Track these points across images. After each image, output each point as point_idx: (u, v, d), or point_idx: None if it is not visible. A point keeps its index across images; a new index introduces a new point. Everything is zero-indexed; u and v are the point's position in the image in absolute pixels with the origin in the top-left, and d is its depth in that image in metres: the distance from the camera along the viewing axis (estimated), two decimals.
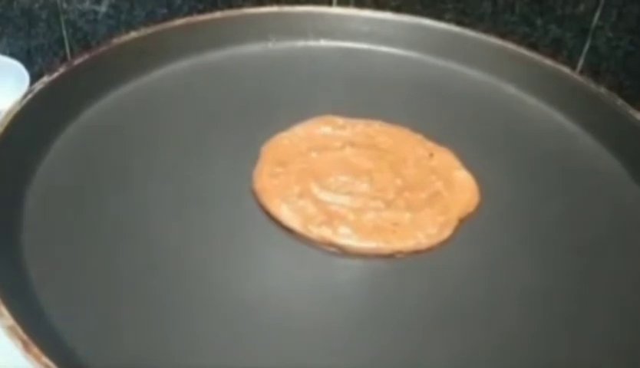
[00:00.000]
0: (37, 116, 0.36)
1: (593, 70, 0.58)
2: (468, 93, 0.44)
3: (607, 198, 0.37)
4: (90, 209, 0.33)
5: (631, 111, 0.39)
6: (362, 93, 0.43)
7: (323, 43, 0.47)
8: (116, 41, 0.42)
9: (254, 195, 0.34)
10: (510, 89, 0.44)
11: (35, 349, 0.24)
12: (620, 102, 0.40)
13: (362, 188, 0.34)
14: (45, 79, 0.37)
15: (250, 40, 0.46)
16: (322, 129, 0.38)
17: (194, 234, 0.32)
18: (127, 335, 0.28)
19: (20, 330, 0.25)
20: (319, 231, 0.32)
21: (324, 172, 0.35)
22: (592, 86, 0.41)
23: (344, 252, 0.32)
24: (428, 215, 0.33)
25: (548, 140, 0.40)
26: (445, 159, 0.37)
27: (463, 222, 0.34)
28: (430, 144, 0.38)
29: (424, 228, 0.32)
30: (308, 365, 0.27)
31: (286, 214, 0.33)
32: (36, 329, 0.26)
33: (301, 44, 0.47)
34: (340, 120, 0.39)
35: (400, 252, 0.32)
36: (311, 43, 0.47)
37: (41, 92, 0.37)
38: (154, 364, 0.27)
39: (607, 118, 0.40)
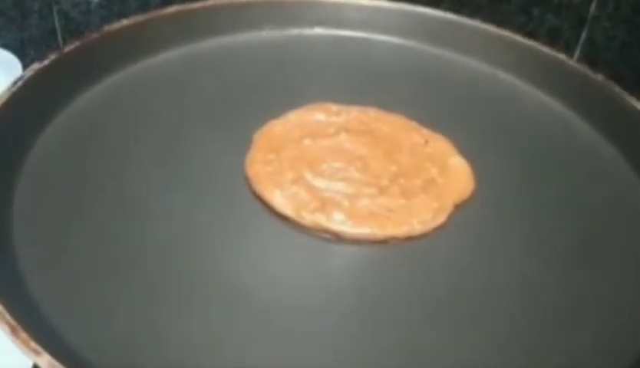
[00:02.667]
0: (27, 104, 0.35)
1: (590, 61, 0.57)
2: (464, 81, 0.43)
3: (603, 185, 0.37)
4: (82, 197, 0.33)
5: (628, 98, 0.39)
6: (357, 82, 0.42)
7: (318, 31, 0.47)
8: (107, 28, 0.41)
9: (247, 182, 0.34)
10: (506, 76, 0.44)
11: (23, 334, 0.24)
12: (617, 89, 0.39)
13: (356, 175, 0.34)
14: (35, 66, 0.37)
15: (243, 28, 0.45)
16: (316, 116, 0.38)
17: (186, 222, 0.32)
18: (117, 320, 0.27)
19: (7, 316, 0.24)
20: (312, 218, 0.31)
21: (317, 158, 0.34)
22: (589, 73, 0.41)
23: (338, 238, 0.31)
24: (423, 202, 0.33)
25: (544, 128, 0.40)
26: (440, 146, 0.36)
27: (458, 209, 0.33)
28: (425, 131, 0.37)
29: (419, 215, 0.32)
30: (301, 352, 0.27)
31: (279, 200, 0.32)
32: (24, 314, 0.25)
33: (295, 32, 0.46)
34: (334, 107, 0.38)
35: (394, 238, 0.31)
36: (306, 31, 0.46)
37: (31, 79, 0.36)
38: (143, 348, 0.26)
39: (604, 105, 0.40)
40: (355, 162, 0.34)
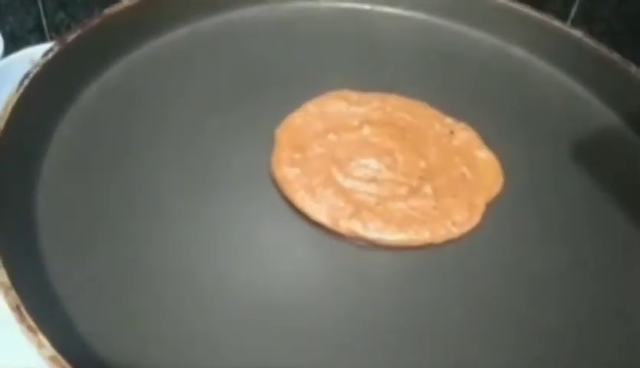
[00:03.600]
0: (36, 103, 0.34)
1: (586, 17, 0.57)
2: (477, 58, 0.43)
3: (628, 169, 0.37)
4: (97, 195, 0.32)
5: None
6: (369, 60, 0.41)
7: (323, 4, 0.45)
8: (108, 12, 0.39)
9: (274, 184, 0.33)
10: (519, 52, 0.43)
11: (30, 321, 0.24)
12: (634, 69, 0.39)
13: (386, 174, 0.33)
14: (40, 61, 0.35)
15: (247, 3, 0.43)
16: (336, 105, 0.37)
17: (212, 230, 0.31)
18: (135, 316, 0.27)
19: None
20: (349, 225, 0.31)
21: (345, 156, 0.34)
22: (604, 50, 0.40)
23: (374, 246, 0.31)
24: (456, 202, 0.33)
25: (561, 108, 0.40)
26: (466, 137, 0.36)
27: (491, 206, 0.33)
28: (448, 120, 0.37)
29: (453, 216, 0.32)
30: (341, 364, 0.27)
31: (312, 206, 0.32)
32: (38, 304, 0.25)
33: (300, 5, 0.44)
34: (354, 95, 0.37)
35: (431, 244, 0.31)
36: (311, 4, 0.45)
37: (38, 76, 0.34)
38: (161, 348, 0.26)
39: (619, 84, 0.40)
40: (384, 158, 0.34)
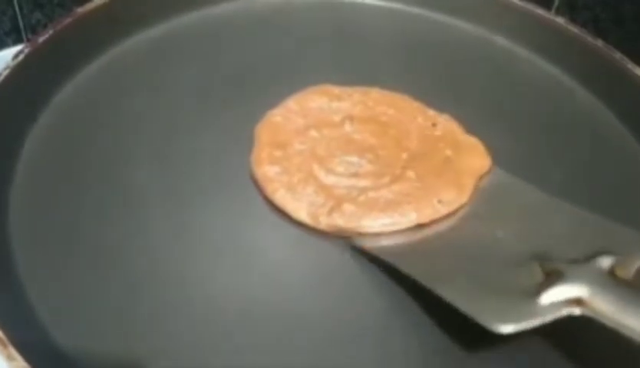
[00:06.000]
0: (7, 106, 0.33)
1: (570, 5, 0.56)
2: (459, 47, 0.42)
3: (609, 153, 0.36)
4: (71, 202, 0.31)
5: (630, 65, 0.38)
6: (350, 53, 0.40)
7: None
8: (80, 10, 0.38)
9: (254, 182, 0.32)
10: (502, 41, 0.42)
11: None
12: (618, 55, 0.38)
13: (368, 167, 0.32)
14: (11, 63, 0.34)
15: None
16: (317, 101, 0.36)
17: (192, 231, 0.30)
18: (115, 329, 0.27)
19: None
20: (329, 221, 0.30)
21: (326, 152, 0.33)
22: (589, 38, 0.40)
23: (359, 235, 0.30)
24: (441, 182, 0.32)
25: (545, 96, 0.39)
26: (449, 127, 0.35)
27: (478, 186, 0.32)
28: (431, 112, 0.36)
29: (439, 195, 0.31)
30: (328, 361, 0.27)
31: (292, 205, 0.31)
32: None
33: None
34: (335, 90, 0.36)
35: (419, 225, 0.30)
36: None
37: (8, 79, 0.33)
38: (142, 353, 0.26)
39: (604, 71, 0.39)
40: (366, 154, 0.33)
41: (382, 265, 0.29)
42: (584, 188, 0.34)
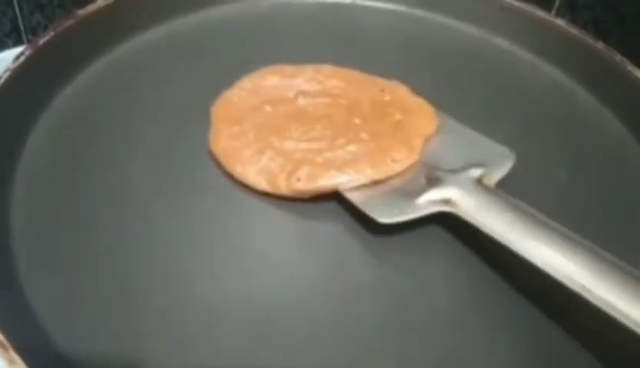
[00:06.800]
0: (7, 109, 0.33)
1: (571, 6, 0.56)
2: (460, 50, 0.42)
3: (610, 157, 0.36)
4: (71, 203, 0.31)
5: (630, 68, 0.38)
6: (350, 54, 0.40)
7: None
8: (81, 13, 0.38)
9: (213, 159, 0.33)
10: (502, 43, 0.42)
11: None
12: (619, 57, 0.38)
13: (323, 132, 0.33)
14: (11, 65, 0.34)
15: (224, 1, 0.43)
16: (271, 80, 0.36)
17: (192, 231, 0.30)
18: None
19: None
20: (288, 184, 0.31)
21: (282, 125, 0.34)
22: (589, 39, 0.40)
23: (320, 195, 0.31)
24: (394, 142, 0.33)
25: (545, 97, 0.39)
26: (397, 92, 0.36)
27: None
28: (379, 80, 0.37)
29: (392, 154, 0.32)
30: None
31: (252, 177, 0.32)
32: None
33: (280, 1, 0.44)
34: (288, 68, 0.37)
35: (375, 181, 0.32)
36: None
37: (8, 81, 0.33)
38: (131, 350, 0.26)
39: (604, 73, 0.39)
40: (321, 121, 0.34)
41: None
42: (585, 190, 0.34)
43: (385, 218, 0.30)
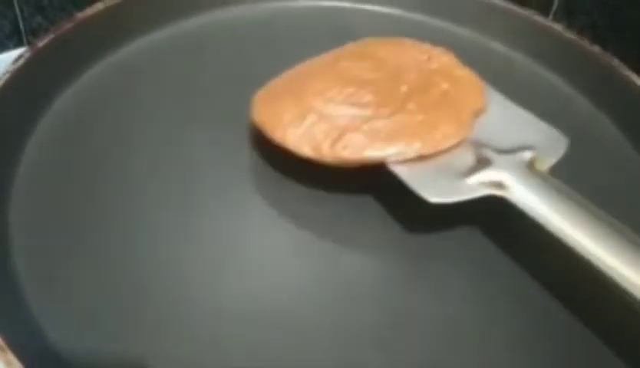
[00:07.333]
0: (7, 111, 0.33)
1: (568, 11, 0.57)
2: (457, 54, 0.41)
3: (607, 161, 0.37)
4: (71, 204, 0.31)
5: (628, 72, 0.38)
6: None
7: (302, 3, 0.44)
8: (81, 15, 0.38)
9: (252, 129, 0.33)
10: (499, 47, 0.43)
11: None
12: (616, 62, 0.39)
13: (369, 97, 0.32)
14: (10, 68, 0.34)
15: (226, 3, 0.43)
16: (309, 64, 0.35)
17: (195, 233, 0.31)
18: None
19: None
20: (333, 152, 0.30)
21: (324, 86, 0.32)
22: (586, 44, 0.40)
23: (364, 166, 0.30)
24: (443, 115, 0.31)
25: (543, 102, 0.39)
26: (444, 60, 0.35)
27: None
28: (425, 47, 0.36)
29: (442, 128, 0.31)
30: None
31: (294, 142, 0.30)
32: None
33: (280, 5, 0.44)
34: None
35: (422, 156, 0.30)
36: (291, 3, 0.44)
37: (8, 83, 0.33)
38: (133, 350, 0.26)
39: (601, 78, 0.39)
40: (365, 86, 0.32)
41: None
42: (581, 195, 0.34)
43: (435, 197, 0.28)
